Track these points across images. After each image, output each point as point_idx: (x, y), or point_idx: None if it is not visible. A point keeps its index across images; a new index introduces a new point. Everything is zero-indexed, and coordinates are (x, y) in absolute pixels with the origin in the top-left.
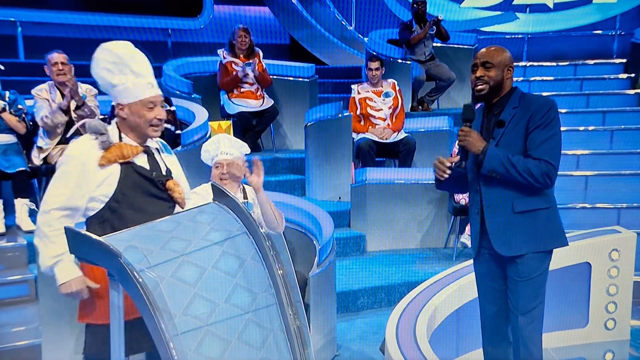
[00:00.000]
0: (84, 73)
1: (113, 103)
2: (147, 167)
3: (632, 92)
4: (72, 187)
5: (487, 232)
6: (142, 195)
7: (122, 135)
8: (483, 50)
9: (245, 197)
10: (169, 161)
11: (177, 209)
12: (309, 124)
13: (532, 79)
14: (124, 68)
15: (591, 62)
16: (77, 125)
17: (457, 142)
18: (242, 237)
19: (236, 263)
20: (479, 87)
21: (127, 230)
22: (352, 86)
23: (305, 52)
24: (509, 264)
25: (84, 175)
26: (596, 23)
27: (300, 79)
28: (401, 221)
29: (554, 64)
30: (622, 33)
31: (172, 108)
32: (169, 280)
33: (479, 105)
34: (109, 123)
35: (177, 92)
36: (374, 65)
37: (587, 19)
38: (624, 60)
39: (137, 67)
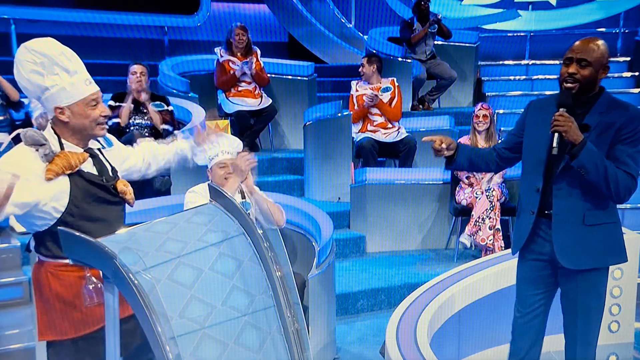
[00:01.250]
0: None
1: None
2: (95, 171)
3: (636, 90)
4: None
5: (551, 241)
6: (95, 203)
7: (63, 141)
8: (579, 43)
9: (243, 197)
10: (112, 156)
11: (128, 208)
12: (307, 123)
13: (535, 77)
14: (54, 67)
15: None
16: (10, 136)
17: (553, 126)
18: (240, 238)
19: (233, 265)
20: (569, 85)
21: (124, 231)
22: (352, 83)
23: (303, 50)
24: (568, 276)
25: (26, 190)
26: (600, 21)
27: (299, 78)
28: (401, 222)
29: (557, 62)
30: (626, 31)
31: (170, 108)
32: (165, 282)
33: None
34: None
35: (174, 91)
36: (363, 60)
37: (590, 17)
38: (628, 59)
39: (69, 65)
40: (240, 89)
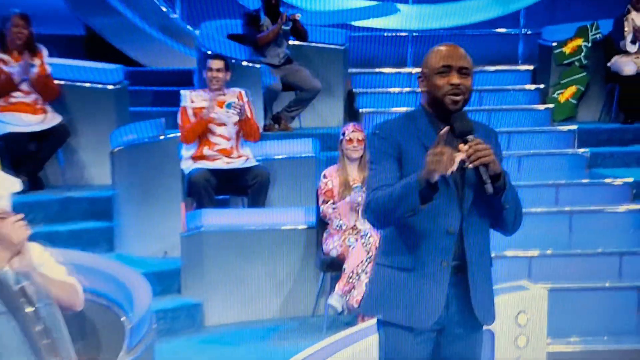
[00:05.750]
0: None
1: None
2: None
3: (542, 107)
4: None
5: (458, 298)
6: None
7: None
8: (452, 49)
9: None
10: None
11: None
12: (116, 149)
13: (420, 89)
14: None
15: (491, 68)
16: None
17: (469, 160)
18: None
19: None
20: (458, 98)
21: None
22: (182, 92)
23: (108, 47)
24: (452, 342)
25: None
26: (496, 19)
27: (102, 86)
28: (253, 282)
29: None
30: (528, 32)
31: None
32: None
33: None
34: None
35: None
36: (216, 64)
37: (485, 14)
38: (531, 67)
39: None
40: (13, 101)
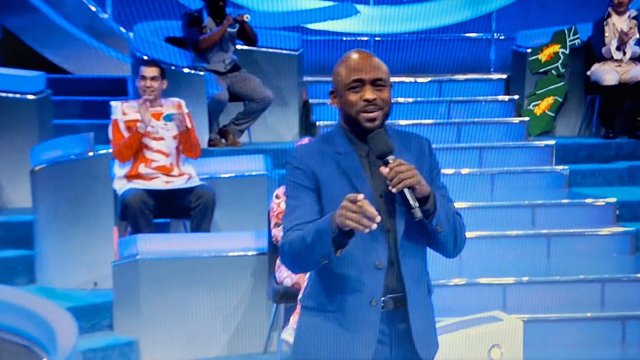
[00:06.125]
0: None
1: None
2: None
3: (516, 120)
4: None
5: (410, 330)
6: None
7: None
8: (362, 59)
9: None
10: None
11: None
12: (37, 167)
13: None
14: None
15: (461, 77)
16: None
17: (391, 184)
18: None
19: None
20: (374, 114)
21: None
22: (113, 104)
23: (28, 51)
24: None
25: None
26: (466, 23)
27: (21, 96)
28: (196, 316)
29: (412, 79)
30: (501, 37)
31: None
32: None
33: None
34: None
35: None
36: (151, 72)
37: (453, 17)
38: (504, 76)
39: None
40: None
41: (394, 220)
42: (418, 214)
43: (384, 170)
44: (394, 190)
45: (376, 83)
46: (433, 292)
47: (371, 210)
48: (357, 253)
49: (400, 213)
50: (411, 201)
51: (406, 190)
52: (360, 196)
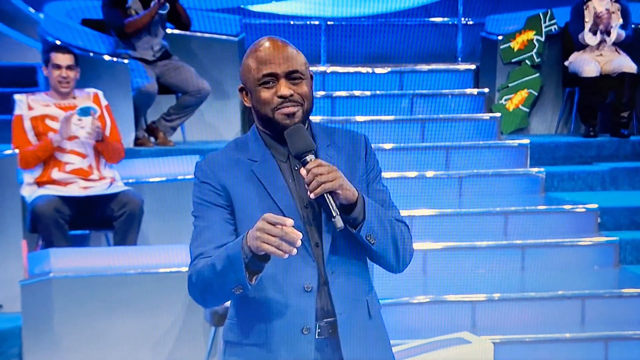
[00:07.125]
0: None
1: None
2: None
3: (486, 116)
4: None
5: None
6: None
7: None
8: (275, 49)
9: None
10: None
11: None
12: None
13: (337, 94)
14: None
15: (424, 67)
16: None
17: (318, 187)
18: None
19: None
20: (293, 109)
21: None
22: (17, 97)
23: None
24: None
25: None
26: (431, 6)
27: None
28: (120, 342)
29: (369, 69)
30: (469, 22)
31: None
32: None
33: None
34: None
35: None
36: (64, 60)
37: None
38: (473, 67)
39: None
40: None
41: (322, 236)
42: (339, 223)
43: (303, 172)
44: (312, 196)
45: (292, 76)
46: (379, 313)
47: (293, 233)
48: (280, 274)
49: (331, 225)
50: (331, 208)
51: (326, 196)
52: (289, 222)
